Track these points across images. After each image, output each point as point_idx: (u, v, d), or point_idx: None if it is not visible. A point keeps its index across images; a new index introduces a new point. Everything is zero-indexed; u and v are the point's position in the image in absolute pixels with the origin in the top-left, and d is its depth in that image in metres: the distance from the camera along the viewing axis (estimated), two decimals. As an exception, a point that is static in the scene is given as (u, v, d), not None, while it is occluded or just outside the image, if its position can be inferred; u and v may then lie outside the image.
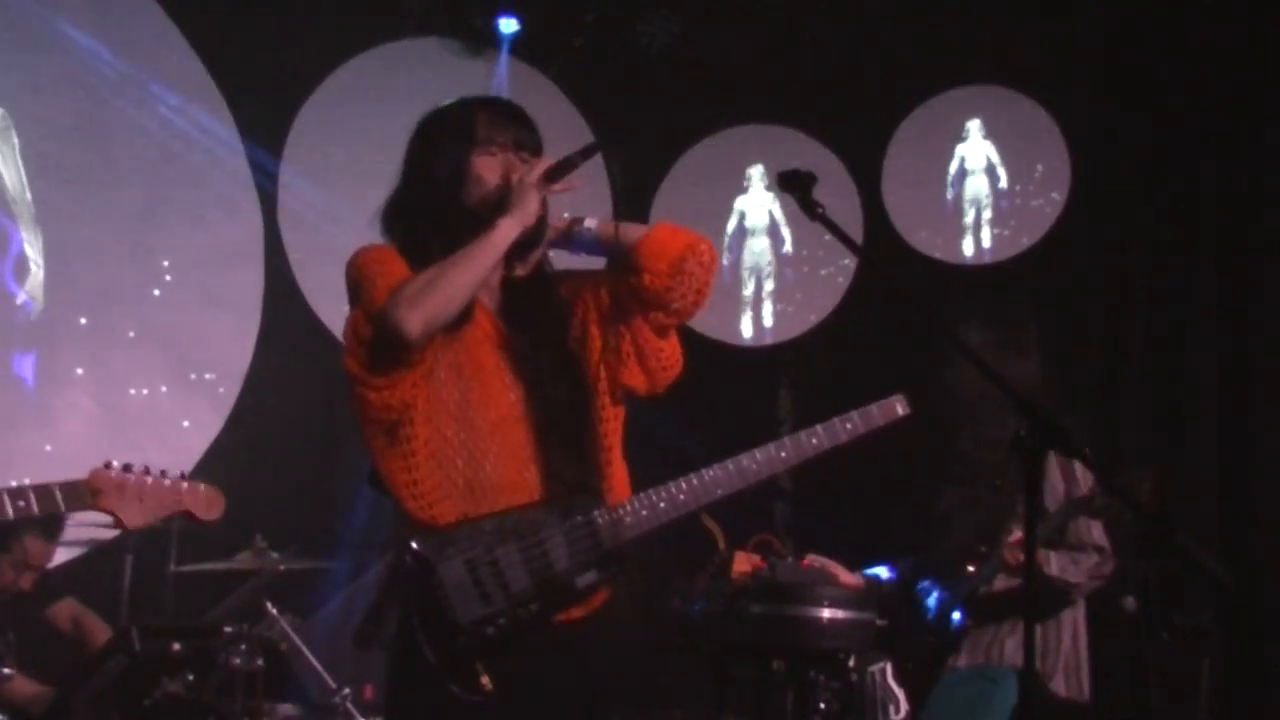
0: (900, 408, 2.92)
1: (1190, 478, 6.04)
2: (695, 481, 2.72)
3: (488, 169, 2.77)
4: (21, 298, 6.07)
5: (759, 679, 4.17)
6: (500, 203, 2.72)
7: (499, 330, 2.77)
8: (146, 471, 3.23)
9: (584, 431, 2.75)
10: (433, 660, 2.57)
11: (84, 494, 3.19)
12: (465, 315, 2.71)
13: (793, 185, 2.65)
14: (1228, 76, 6.20)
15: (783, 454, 2.78)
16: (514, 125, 2.82)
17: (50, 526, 4.97)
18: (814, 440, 2.80)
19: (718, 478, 2.74)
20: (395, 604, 2.64)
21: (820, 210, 2.65)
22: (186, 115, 6.38)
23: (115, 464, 3.14)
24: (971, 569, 4.36)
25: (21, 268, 6.08)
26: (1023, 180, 6.75)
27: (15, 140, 6.07)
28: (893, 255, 6.70)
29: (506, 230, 2.67)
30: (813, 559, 4.34)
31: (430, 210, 2.78)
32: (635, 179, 7.13)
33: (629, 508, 2.70)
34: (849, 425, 2.83)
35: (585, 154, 2.77)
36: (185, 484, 3.29)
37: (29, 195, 6.10)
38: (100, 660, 4.78)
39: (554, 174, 2.73)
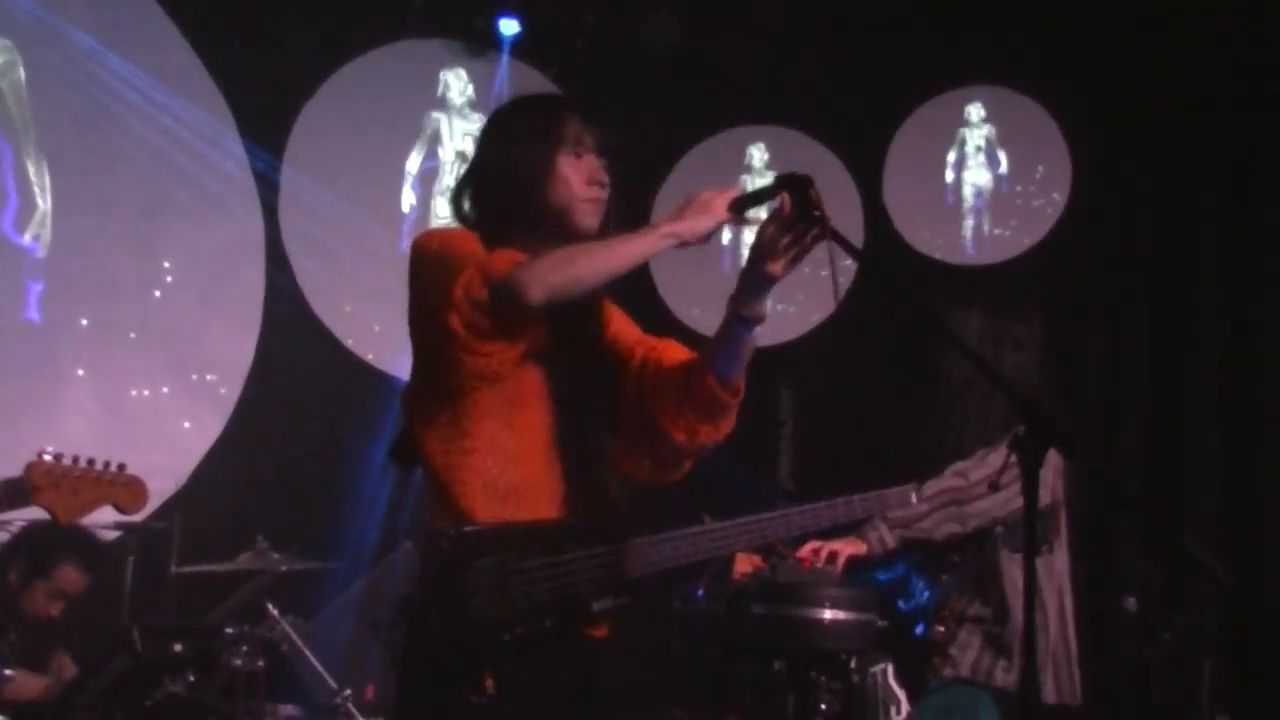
0: (914, 495, 3.23)
1: (1191, 477, 6.04)
2: (717, 539, 2.82)
3: (573, 170, 2.80)
4: (29, 237, 6.05)
5: (760, 680, 4.17)
6: (567, 207, 2.76)
7: (547, 341, 2.75)
8: (76, 461, 3.26)
9: (604, 466, 2.78)
10: (443, 653, 2.57)
11: (25, 490, 3.24)
12: None
13: (791, 188, 2.65)
14: (1229, 75, 6.21)
15: (801, 520, 2.93)
16: (601, 128, 2.86)
17: (91, 559, 4.95)
18: (831, 511, 2.97)
19: (738, 534, 2.85)
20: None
21: (819, 213, 2.65)
22: (187, 115, 6.39)
23: (49, 454, 3.16)
24: (945, 577, 4.37)
25: (24, 217, 6.07)
26: (1024, 180, 6.75)
27: (21, 73, 6.07)
28: (894, 256, 6.70)
29: (665, 237, 2.65)
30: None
31: (511, 204, 2.79)
32: (636, 179, 7.12)
33: (655, 544, 2.74)
34: (864, 502, 3.05)
35: (775, 189, 2.67)
36: (112, 475, 3.33)
37: (34, 133, 6.10)
38: (102, 661, 4.78)
39: (742, 205, 2.68)
